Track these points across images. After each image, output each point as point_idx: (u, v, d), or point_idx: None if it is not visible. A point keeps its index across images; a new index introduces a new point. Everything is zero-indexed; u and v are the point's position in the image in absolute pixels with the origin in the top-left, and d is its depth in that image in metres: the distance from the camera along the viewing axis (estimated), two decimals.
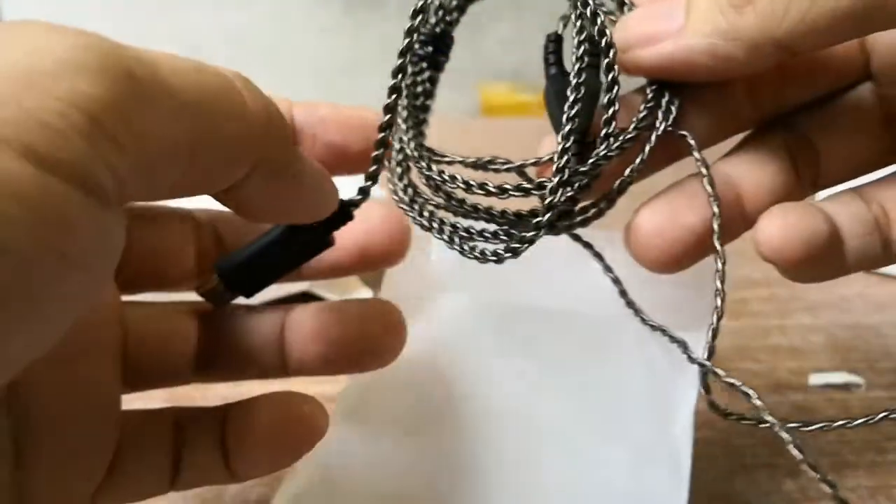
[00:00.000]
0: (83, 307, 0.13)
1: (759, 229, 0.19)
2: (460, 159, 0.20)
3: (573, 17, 0.19)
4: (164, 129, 0.13)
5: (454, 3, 0.22)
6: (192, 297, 0.22)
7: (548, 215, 0.18)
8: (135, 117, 0.13)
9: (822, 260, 0.19)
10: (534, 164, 0.20)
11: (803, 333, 0.38)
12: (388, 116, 0.19)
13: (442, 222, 0.20)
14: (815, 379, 0.33)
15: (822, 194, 0.23)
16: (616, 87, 0.19)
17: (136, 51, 0.14)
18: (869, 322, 0.39)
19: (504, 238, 0.19)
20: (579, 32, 0.19)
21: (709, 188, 0.20)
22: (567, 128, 0.18)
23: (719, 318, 0.19)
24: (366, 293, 0.34)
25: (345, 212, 0.19)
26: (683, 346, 0.21)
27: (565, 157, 0.18)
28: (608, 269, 0.23)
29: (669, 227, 0.20)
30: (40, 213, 0.11)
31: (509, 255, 0.19)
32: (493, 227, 0.20)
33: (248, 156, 0.16)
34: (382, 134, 0.19)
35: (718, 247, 0.19)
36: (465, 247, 0.19)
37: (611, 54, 0.19)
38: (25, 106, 0.12)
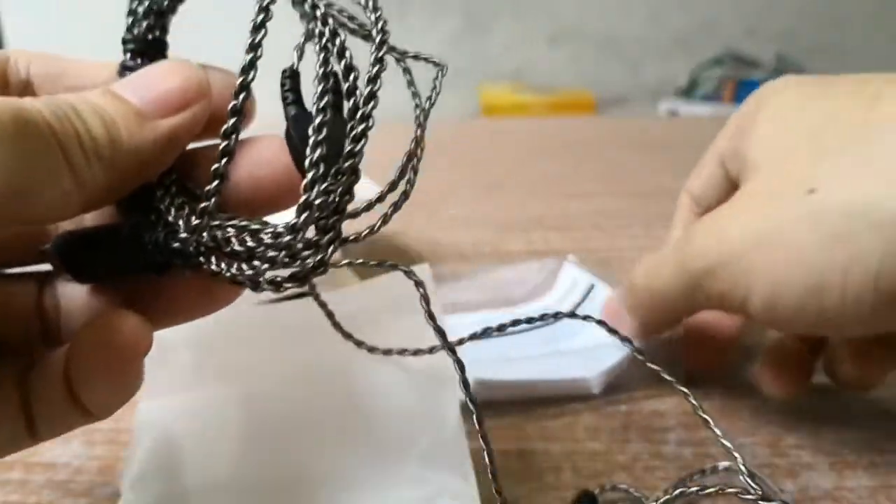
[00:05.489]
0: None
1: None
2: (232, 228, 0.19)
3: (318, 45, 0.19)
4: None
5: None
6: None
7: (304, 215, 0.18)
8: None
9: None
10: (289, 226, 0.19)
11: None
12: (251, 74, 0.19)
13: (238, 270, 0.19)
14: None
15: None
16: (364, 123, 0.19)
17: None
18: None
19: (289, 257, 0.18)
20: (324, 64, 0.19)
21: None
22: (317, 153, 0.18)
23: None
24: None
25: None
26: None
27: (320, 167, 0.18)
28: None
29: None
30: None
31: (301, 277, 0.19)
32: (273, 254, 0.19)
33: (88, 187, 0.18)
34: (242, 94, 0.19)
35: None
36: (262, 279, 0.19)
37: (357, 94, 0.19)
38: None
